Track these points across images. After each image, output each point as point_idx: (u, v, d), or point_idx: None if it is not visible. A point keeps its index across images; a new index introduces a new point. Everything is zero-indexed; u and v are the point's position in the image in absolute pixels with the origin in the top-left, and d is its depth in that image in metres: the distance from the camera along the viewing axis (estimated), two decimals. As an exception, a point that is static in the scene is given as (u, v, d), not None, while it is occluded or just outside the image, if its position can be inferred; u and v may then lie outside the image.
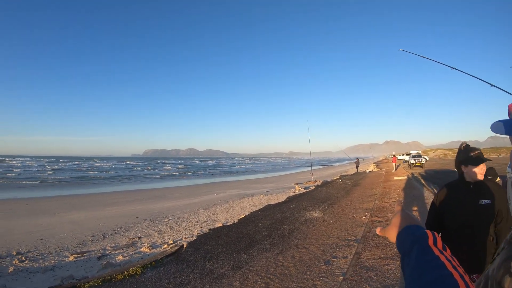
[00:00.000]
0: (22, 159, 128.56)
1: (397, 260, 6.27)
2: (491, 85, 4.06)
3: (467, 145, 2.82)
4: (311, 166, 37.49)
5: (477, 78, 4.33)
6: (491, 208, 2.61)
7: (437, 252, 0.79)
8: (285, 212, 12.54)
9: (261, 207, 14.53)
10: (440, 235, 2.79)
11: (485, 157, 2.73)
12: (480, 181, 2.69)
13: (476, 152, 2.73)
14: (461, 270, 0.73)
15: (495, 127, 1.11)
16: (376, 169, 42.96)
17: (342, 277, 5.68)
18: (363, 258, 6.65)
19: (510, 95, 3.79)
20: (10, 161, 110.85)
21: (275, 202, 15.84)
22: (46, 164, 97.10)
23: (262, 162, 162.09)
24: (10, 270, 8.10)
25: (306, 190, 21.14)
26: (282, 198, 17.92)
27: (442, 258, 0.77)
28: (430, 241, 0.83)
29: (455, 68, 4.61)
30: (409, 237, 0.90)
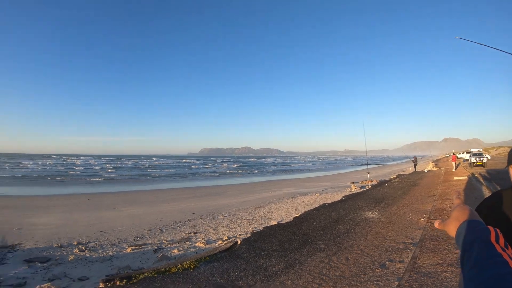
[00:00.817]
0: (84, 158, 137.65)
1: (456, 267, 5.98)
2: None
3: None
4: (367, 164, 36.57)
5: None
6: None
7: (499, 249, 0.77)
8: (340, 212, 12.36)
9: (316, 206, 14.42)
10: None
11: None
12: None
13: None
14: None
15: None
16: (435, 168, 40.92)
17: (397, 282, 5.53)
18: (420, 263, 6.41)
19: None
20: (73, 159, 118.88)
21: (330, 201, 15.65)
22: (107, 162, 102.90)
23: (318, 160, 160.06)
24: (70, 259, 8.72)
25: (362, 190, 20.69)
26: (337, 197, 17.68)
27: (505, 255, 0.75)
28: (493, 237, 0.81)
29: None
30: (470, 232, 0.88)
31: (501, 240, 0.82)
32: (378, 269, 6.27)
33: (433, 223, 9.01)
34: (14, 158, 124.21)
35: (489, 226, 0.88)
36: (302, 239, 8.61)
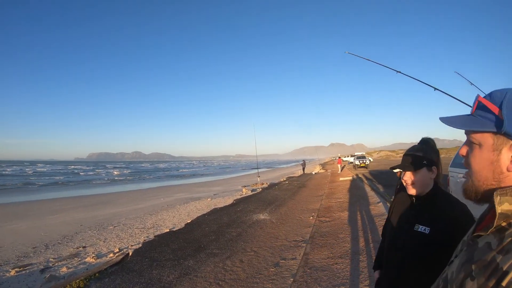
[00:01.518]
0: None
1: (346, 259, 6.41)
2: (435, 88, 4.21)
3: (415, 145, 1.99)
4: (257, 168, 37.76)
5: (421, 81, 4.48)
6: (427, 239, 1.73)
7: None
8: (232, 216, 12.46)
9: (208, 210, 14.34)
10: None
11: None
12: (425, 196, 1.87)
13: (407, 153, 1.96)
14: None
15: (450, 120, 1.08)
16: (322, 171, 44.12)
17: (292, 279, 5.69)
18: (312, 258, 6.72)
19: (452, 98, 3.94)
20: None
21: (222, 206, 15.72)
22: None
23: (210, 165, 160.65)
24: None
25: (253, 193, 21.21)
26: (229, 201, 17.83)
27: None
28: None
29: (400, 72, 4.75)
30: None
31: None
32: (272, 268, 6.41)
33: (321, 220, 9.58)
34: None
35: None
36: (195, 246, 8.44)
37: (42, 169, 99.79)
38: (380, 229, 8.37)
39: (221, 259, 7.20)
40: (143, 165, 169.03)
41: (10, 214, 18.23)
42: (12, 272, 8.35)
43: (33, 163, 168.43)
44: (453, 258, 1.03)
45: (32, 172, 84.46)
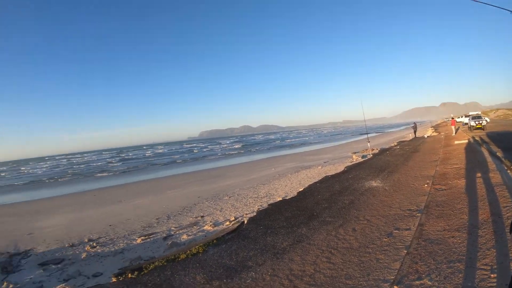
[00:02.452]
0: (87, 155, 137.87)
1: (463, 232, 5.99)
2: None
3: None
4: (367, 133, 36.62)
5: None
6: None
7: None
8: (343, 183, 12.39)
9: (319, 178, 14.46)
10: None
11: None
12: None
13: None
14: None
15: None
16: (435, 133, 40.89)
17: (405, 251, 5.57)
18: (427, 230, 6.45)
19: None
20: (75, 157, 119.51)
21: (333, 173, 15.71)
22: (109, 157, 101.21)
23: (317, 133, 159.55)
24: (83, 256, 8.81)
25: (363, 159, 20.73)
26: (340, 168, 17.72)
27: None
28: None
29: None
30: None
31: None
32: (385, 238, 6.31)
33: (437, 188, 9.04)
34: (16, 164, 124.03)
35: None
36: (308, 213, 8.65)
37: (160, 150, 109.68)
38: (501, 200, 7.61)
39: (334, 227, 7.30)
40: (252, 137, 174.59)
41: (133, 192, 20.76)
42: (139, 240, 9.56)
43: (151, 146, 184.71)
44: None
45: (152, 154, 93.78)
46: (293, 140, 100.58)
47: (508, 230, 2.40)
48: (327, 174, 15.66)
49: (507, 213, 6.63)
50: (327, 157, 29.13)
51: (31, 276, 7.93)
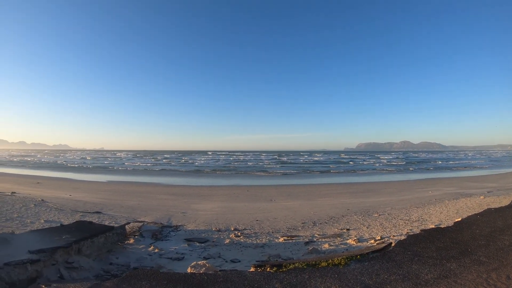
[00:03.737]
0: (248, 154, 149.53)
1: None
2: None
3: None
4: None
5: None
6: None
7: None
8: (508, 220, 10.91)
9: (480, 210, 13.01)
10: None
11: None
12: None
13: None
14: None
15: None
16: None
17: None
18: None
19: None
20: (240, 155, 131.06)
21: (496, 206, 13.95)
22: (267, 158, 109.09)
23: (483, 156, 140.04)
24: (226, 242, 9.81)
25: (541, 193, 17.59)
26: (505, 201, 15.56)
27: None
28: None
29: None
30: None
31: None
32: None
33: None
34: (188, 154, 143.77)
35: None
36: (461, 248, 7.98)
37: (317, 158, 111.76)
38: None
39: (486, 270, 6.54)
40: (414, 154, 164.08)
41: (286, 193, 21.87)
42: (281, 239, 10.09)
43: (310, 153, 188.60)
44: None
45: (309, 160, 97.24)
46: (456, 162, 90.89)
47: None
48: (490, 207, 13.93)
49: None
50: (492, 187, 25.65)
51: (176, 247, 9.32)
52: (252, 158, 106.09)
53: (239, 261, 8.26)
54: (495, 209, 13.06)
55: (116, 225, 10.01)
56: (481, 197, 18.42)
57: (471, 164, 78.44)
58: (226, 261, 8.29)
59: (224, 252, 9.00)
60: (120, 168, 59.36)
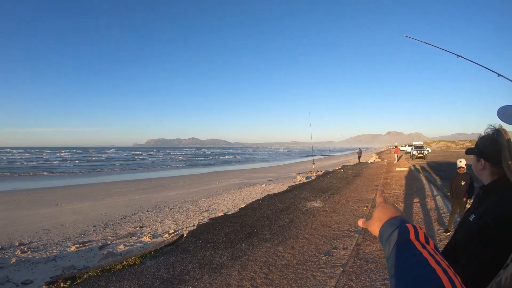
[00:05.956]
0: (33, 151, 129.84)
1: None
2: (498, 74, 3.86)
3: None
4: (312, 155, 37.53)
5: (484, 67, 4.15)
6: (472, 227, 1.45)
7: (419, 247, 0.71)
8: (286, 202, 12.50)
9: (262, 196, 14.50)
10: None
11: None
12: (483, 187, 1.61)
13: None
14: (444, 264, 0.66)
15: (504, 114, 0.99)
16: (378, 160, 42.83)
17: (341, 269, 5.66)
18: (363, 249, 6.62)
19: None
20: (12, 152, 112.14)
21: (276, 192, 15.80)
22: (50, 155, 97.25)
23: (264, 151, 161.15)
24: (12, 261, 8.12)
25: (307, 180, 21.09)
26: (283, 187, 17.91)
27: (425, 253, 0.69)
28: (412, 235, 0.75)
29: (461, 56, 4.43)
30: (389, 233, 0.82)
31: (421, 236, 0.77)
32: (323, 256, 6.39)
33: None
34: None
35: (408, 224, 0.83)
36: (248, 230, 8.59)
37: (106, 155, 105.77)
38: (435, 224, 8.15)
39: (273, 245, 7.28)
40: (199, 150, 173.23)
41: (71, 195, 19.64)
42: (73, 248, 9.03)
43: (96, 149, 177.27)
44: (509, 261, 0.95)
45: (103, 158, 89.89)
46: (239, 156, 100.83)
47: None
48: (270, 192, 15.75)
49: (439, 235, 7.05)
50: (272, 176, 29.41)
51: None
52: (33, 157, 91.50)
53: (32, 282, 6.93)
54: (275, 194, 14.74)
55: None
56: (262, 185, 20.62)
57: (252, 158, 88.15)
58: (17, 285, 6.82)
59: (13, 274, 7.38)
60: None
